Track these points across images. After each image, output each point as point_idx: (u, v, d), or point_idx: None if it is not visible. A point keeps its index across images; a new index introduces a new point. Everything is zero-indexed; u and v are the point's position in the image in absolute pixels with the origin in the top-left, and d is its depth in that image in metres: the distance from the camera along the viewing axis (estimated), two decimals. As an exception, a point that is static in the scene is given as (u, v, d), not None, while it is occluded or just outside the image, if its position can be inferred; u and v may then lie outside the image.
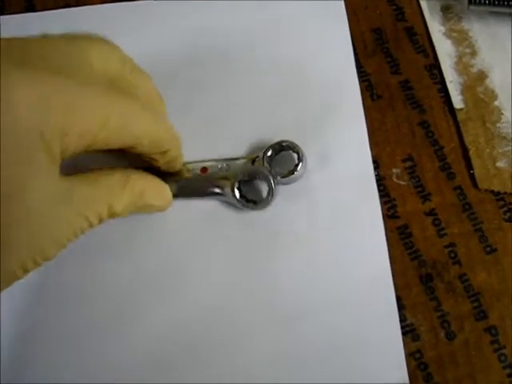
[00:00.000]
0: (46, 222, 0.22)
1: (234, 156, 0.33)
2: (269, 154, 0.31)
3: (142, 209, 0.29)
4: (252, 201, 0.31)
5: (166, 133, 0.28)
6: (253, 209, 0.31)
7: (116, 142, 0.25)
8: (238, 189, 0.31)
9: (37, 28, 0.35)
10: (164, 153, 0.28)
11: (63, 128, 0.22)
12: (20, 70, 0.21)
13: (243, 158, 0.32)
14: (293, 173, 0.31)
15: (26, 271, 0.22)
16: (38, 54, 0.23)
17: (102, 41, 0.27)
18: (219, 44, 0.36)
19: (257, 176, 0.31)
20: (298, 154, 0.31)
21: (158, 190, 0.30)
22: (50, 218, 0.22)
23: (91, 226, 0.25)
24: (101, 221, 0.25)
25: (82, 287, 0.31)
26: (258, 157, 0.32)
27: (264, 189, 0.31)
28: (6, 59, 0.21)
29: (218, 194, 0.31)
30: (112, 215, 0.26)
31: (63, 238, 0.23)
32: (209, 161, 0.32)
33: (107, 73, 0.26)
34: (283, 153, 0.32)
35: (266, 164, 0.31)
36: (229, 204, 0.32)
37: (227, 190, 0.31)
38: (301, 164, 0.31)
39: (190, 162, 0.32)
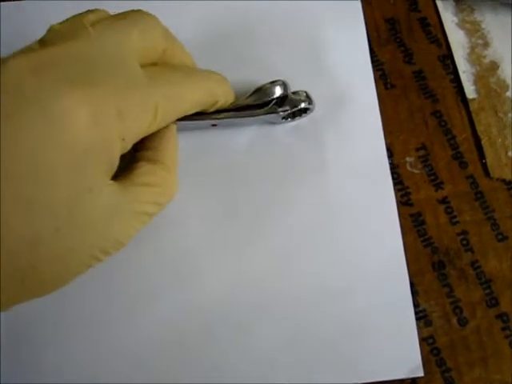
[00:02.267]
0: (107, 228, 0.23)
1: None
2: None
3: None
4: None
5: (214, 87, 0.28)
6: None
7: (169, 120, 0.26)
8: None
9: (49, 14, 0.36)
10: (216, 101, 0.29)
11: (120, 135, 0.22)
12: (68, 89, 0.21)
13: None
14: (305, 112, 0.32)
15: (89, 267, 0.24)
16: (78, 62, 0.22)
17: (143, 20, 0.26)
18: (239, 18, 0.36)
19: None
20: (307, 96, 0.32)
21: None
22: (109, 223, 0.23)
23: (151, 217, 0.25)
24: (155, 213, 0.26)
25: (98, 274, 0.31)
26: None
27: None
28: (51, 79, 0.21)
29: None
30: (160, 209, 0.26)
31: (123, 238, 0.24)
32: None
33: (152, 54, 0.26)
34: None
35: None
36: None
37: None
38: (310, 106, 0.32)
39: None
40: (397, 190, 0.32)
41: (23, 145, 0.20)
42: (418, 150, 0.33)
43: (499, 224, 0.32)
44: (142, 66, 0.25)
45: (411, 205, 0.32)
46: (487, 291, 0.31)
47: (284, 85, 0.31)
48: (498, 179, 0.33)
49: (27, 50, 0.23)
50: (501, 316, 0.31)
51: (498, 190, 0.33)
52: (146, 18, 0.26)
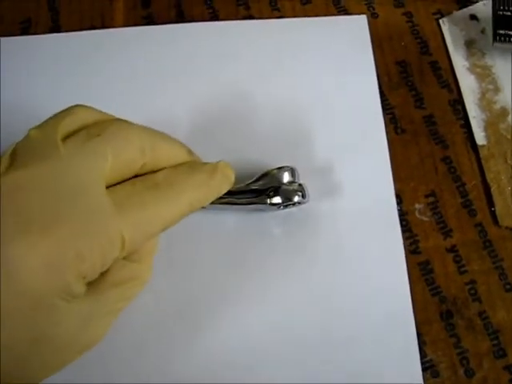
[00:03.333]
0: (80, 338, 0.23)
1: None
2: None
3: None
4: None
5: (198, 196, 0.26)
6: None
7: (141, 244, 0.25)
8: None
9: (62, 48, 0.36)
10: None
11: (79, 275, 0.21)
12: (22, 235, 0.20)
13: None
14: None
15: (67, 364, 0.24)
16: (41, 192, 0.21)
17: (120, 135, 0.24)
18: (240, 70, 0.36)
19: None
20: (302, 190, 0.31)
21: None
22: (82, 333, 0.23)
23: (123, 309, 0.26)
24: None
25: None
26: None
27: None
28: (9, 218, 0.20)
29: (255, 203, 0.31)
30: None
31: (98, 336, 0.25)
32: None
33: (127, 171, 0.25)
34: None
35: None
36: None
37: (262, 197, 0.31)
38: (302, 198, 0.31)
39: None
40: (405, 238, 0.32)
41: None
42: (427, 196, 0.33)
43: (507, 274, 0.32)
44: (114, 185, 0.24)
45: (419, 253, 0.32)
46: (495, 342, 0.31)
47: (292, 171, 0.31)
48: (506, 228, 0.33)
49: None
50: (508, 367, 0.30)
51: (506, 239, 0.33)
52: (123, 131, 0.24)
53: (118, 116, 0.26)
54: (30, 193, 0.21)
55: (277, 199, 0.31)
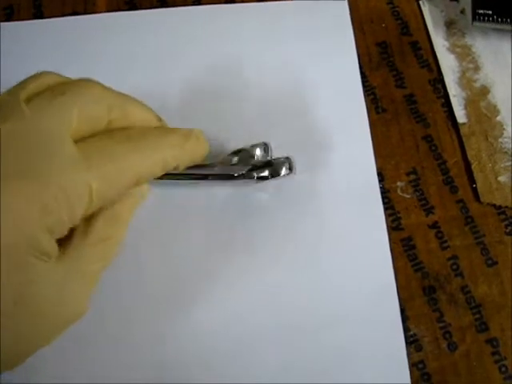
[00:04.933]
0: (61, 302, 0.23)
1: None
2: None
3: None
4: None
5: (169, 154, 0.26)
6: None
7: (111, 197, 0.24)
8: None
9: (45, 35, 0.36)
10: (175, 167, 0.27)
11: (45, 229, 0.21)
12: None
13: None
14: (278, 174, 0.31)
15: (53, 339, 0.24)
16: (5, 149, 0.21)
17: (86, 93, 0.24)
18: (222, 54, 0.36)
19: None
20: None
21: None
22: (63, 296, 0.23)
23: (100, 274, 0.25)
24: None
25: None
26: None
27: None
28: None
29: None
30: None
31: (81, 304, 0.24)
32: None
33: (93, 126, 0.24)
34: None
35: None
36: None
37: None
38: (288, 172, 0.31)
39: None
40: (387, 215, 0.33)
41: None
42: (408, 174, 0.34)
43: (489, 249, 0.32)
44: (81, 140, 0.23)
45: (402, 229, 0.33)
46: (477, 316, 0.31)
47: (265, 146, 0.31)
48: (488, 204, 0.33)
49: None
50: (490, 341, 0.31)
51: (488, 215, 0.33)
52: (89, 90, 0.24)
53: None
54: None
55: (264, 173, 0.31)
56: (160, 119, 0.28)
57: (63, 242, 0.23)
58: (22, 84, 0.24)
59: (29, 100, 0.23)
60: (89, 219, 0.24)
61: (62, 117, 0.23)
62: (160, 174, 0.26)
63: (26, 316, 0.22)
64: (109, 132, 0.25)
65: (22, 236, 0.21)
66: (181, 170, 0.27)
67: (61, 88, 0.24)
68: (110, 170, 0.23)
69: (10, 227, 0.20)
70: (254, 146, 0.31)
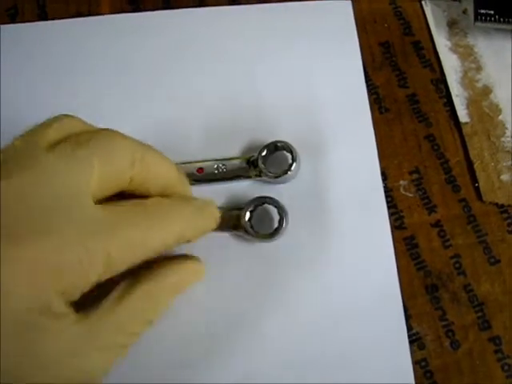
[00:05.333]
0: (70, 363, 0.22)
1: (230, 156, 0.33)
2: (263, 153, 0.32)
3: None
4: (264, 233, 0.31)
5: (184, 229, 0.26)
6: (265, 240, 0.31)
7: (126, 267, 0.23)
8: (249, 221, 0.31)
9: (49, 36, 0.36)
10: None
11: (58, 291, 0.21)
12: (5, 246, 0.20)
13: (239, 157, 0.33)
14: (286, 172, 0.32)
15: None
16: (25, 203, 0.21)
17: (109, 145, 0.24)
18: (227, 55, 0.37)
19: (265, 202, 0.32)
20: (291, 153, 0.32)
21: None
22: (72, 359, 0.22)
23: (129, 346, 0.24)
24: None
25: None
26: (252, 156, 0.33)
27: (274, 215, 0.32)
28: None
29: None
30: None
31: (95, 372, 0.23)
32: (204, 161, 0.33)
33: (116, 184, 0.24)
34: (278, 153, 0.33)
35: (260, 164, 0.32)
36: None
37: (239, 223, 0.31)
38: (294, 164, 0.32)
39: (186, 163, 0.33)
40: (390, 214, 0.33)
41: None
42: (411, 173, 0.34)
43: (491, 247, 0.32)
44: (102, 200, 0.23)
45: (405, 228, 0.33)
46: (479, 314, 0.31)
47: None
48: (490, 203, 0.33)
49: None
50: (493, 339, 0.31)
51: (490, 214, 0.33)
52: (112, 141, 0.24)
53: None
54: (12, 204, 0.20)
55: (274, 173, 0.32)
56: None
57: (94, 304, 0.23)
58: (42, 128, 0.23)
59: (50, 148, 0.22)
60: (125, 287, 0.23)
61: (83, 170, 0.22)
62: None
63: (33, 366, 0.21)
64: (128, 200, 0.24)
65: (35, 292, 0.20)
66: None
67: (83, 137, 0.23)
68: (131, 240, 0.23)
69: (24, 285, 0.20)
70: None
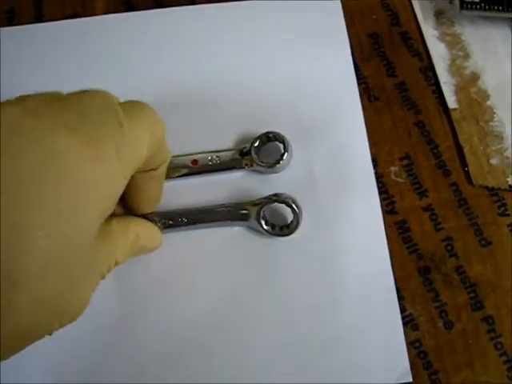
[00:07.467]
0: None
1: (223, 148, 0.34)
2: (256, 144, 0.33)
3: (136, 253, 0.29)
4: (278, 227, 0.32)
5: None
6: (279, 235, 0.32)
7: (153, 151, 0.26)
8: (263, 217, 0.32)
9: (47, 37, 0.37)
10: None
11: (121, 173, 0.23)
12: (67, 133, 0.21)
13: (231, 149, 0.34)
14: (279, 162, 0.33)
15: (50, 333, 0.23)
16: (72, 108, 0.23)
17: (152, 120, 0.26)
18: (220, 51, 0.37)
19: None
20: (283, 144, 0.33)
21: (151, 231, 0.31)
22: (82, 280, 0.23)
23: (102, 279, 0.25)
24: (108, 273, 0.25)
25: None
26: (245, 147, 0.33)
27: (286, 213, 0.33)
28: (50, 122, 0.21)
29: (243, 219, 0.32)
30: (116, 265, 0.26)
31: (86, 297, 0.23)
32: (199, 153, 0.34)
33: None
34: (270, 144, 0.33)
35: (253, 154, 0.33)
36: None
37: (252, 216, 0.32)
38: (286, 154, 0.33)
39: (181, 155, 0.33)
40: (382, 199, 0.33)
41: (22, 171, 0.20)
42: (401, 159, 0.34)
43: (482, 230, 0.33)
44: None
45: (396, 213, 0.33)
46: (472, 295, 0.32)
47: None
48: (480, 186, 0.34)
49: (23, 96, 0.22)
50: (486, 319, 0.31)
51: (480, 197, 0.34)
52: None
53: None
54: (64, 107, 0.22)
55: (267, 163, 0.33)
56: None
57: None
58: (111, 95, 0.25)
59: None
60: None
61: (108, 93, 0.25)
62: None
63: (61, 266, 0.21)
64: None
65: (106, 172, 0.22)
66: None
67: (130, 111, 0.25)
68: (153, 126, 0.26)
69: (94, 163, 0.22)
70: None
